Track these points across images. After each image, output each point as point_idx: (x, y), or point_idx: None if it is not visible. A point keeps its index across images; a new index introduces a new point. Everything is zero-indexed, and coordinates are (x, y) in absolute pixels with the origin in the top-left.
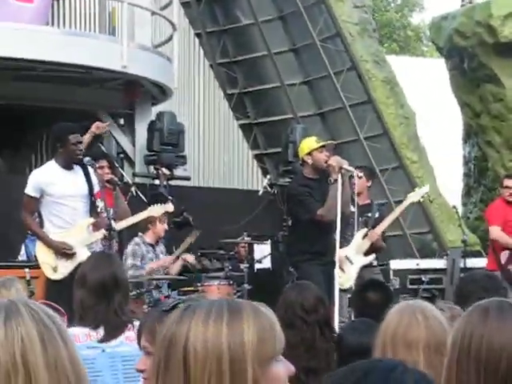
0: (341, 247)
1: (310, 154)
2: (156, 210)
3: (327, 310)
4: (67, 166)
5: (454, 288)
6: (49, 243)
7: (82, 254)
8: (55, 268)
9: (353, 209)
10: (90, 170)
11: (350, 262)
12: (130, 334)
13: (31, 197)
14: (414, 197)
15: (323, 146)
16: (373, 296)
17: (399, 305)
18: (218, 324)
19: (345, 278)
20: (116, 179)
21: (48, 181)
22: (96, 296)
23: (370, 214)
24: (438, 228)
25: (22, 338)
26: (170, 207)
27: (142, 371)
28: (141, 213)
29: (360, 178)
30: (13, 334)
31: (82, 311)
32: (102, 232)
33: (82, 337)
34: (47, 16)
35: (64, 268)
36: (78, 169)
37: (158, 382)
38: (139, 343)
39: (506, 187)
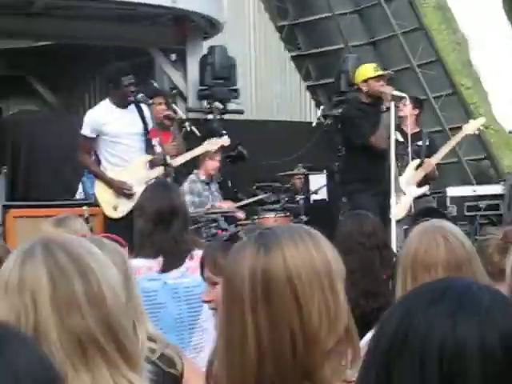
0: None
1: (365, 81)
2: (212, 144)
3: (384, 235)
4: (122, 105)
5: None
6: (109, 182)
7: None
8: (115, 206)
9: (400, 138)
10: (144, 107)
11: (403, 192)
12: (191, 265)
13: (87, 137)
14: (469, 129)
15: (381, 76)
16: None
17: (420, 226)
18: (308, 248)
19: (399, 208)
20: (173, 115)
21: (103, 120)
22: (154, 224)
23: (420, 143)
24: (494, 154)
25: (32, 281)
26: (226, 141)
27: (208, 302)
28: (197, 148)
29: (404, 105)
30: (24, 278)
31: (141, 241)
32: (160, 169)
33: (144, 269)
34: None
35: (124, 206)
36: (132, 107)
37: (254, 316)
38: (202, 274)
39: None
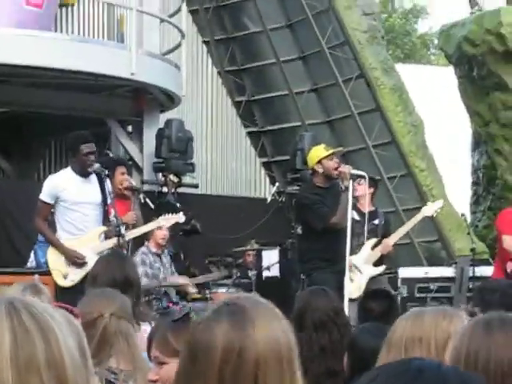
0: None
1: (319, 162)
2: (166, 220)
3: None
4: (82, 174)
5: (475, 294)
6: (61, 250)
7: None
8: (65, 275)
9: (357, 217)
10: (106, 179)
11: (359, 271)
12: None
13: (45, 203)
14: (428, 211)
15: (333, 154)
16: (375, 306)
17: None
18: (276, 328)
19: (354, 287)
20: (135, 185)
21: (62, 186)
22: None
23: (376, 222)
24: (447, 236)
25: None
26: (180, 217)
27: (154, 381)
28: (151, 222)
29: (359, 184)
30: None
31: None
32: (114, 241)
33: None
34: (53, 22)
35: (74, 275)
36: (93, 177)
37: None
38: (149, 353)
39: None
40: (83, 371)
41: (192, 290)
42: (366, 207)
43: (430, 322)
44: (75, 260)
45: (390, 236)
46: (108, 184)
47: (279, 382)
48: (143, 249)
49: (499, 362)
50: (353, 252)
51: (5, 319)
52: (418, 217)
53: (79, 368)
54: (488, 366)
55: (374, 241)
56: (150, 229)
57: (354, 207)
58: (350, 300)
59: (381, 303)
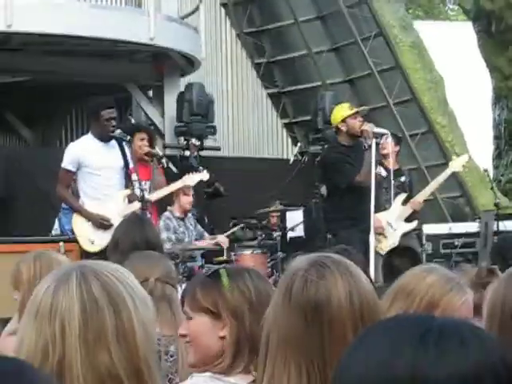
0: (377, 212)
1: (344, 121)
2: (191, 179)
3: (369, 275)
4: (103, 139)
5: (492, 247)
6: (86, 215)
7: None
8: (92, 240)
9: (384, 173)
10: (126, 145)
11: (392, 227)
12: None
13: (67, 170)
14: (455, 166)
15: (357, 112)
16: (399, 262)
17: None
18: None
19: (388, 243)
20: (155, 151)
21: (84, 153)
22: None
23: (402, 179)
24: (470, 192)
25: (63, 309)
26: (205, 175)
27: (183, 336)
28: (175, 182)
29: (386, 142)
30: (56, 306)
31: None
32: (138, 204)
33: None
34: None
35: (101, 240)
36: (113, 142)
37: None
38: (182, 309)
39: None
40: (153, 345)
41: (222, 242)
42: (391, 165)
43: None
44: (101, 222)
45: (420, 192)
46: (128, 150)
47: None
48: (166, 213)
49: None
50: (381, 207)
51: (75, 290)
52: (448, 172)
53: (150, 342)
54: None
55: (403, 196)
56: (175, 188)
57: (381, 164)
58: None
59: (405, 260)
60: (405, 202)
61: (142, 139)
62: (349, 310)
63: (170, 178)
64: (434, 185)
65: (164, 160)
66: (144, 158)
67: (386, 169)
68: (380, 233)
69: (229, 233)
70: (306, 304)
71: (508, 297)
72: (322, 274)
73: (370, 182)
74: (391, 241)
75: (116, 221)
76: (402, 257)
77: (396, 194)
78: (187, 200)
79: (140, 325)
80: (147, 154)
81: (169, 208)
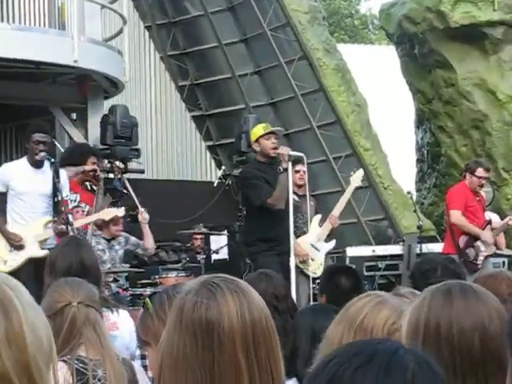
0: (296, 236)
1: (257, 141)
2: (107, 214)
3: (292, 297)
4: (34, 164)
5: (411, 269)
6: (3, 233)
7: (33, 249)
8: (5, 260)
9: (296, 198)
10: (63, 172)
11: (316, 249)
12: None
13: None
14: (356, 181)
15: (270, 133)
16: (345, 282)
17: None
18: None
19: (315, 265)
20: (101, 175)
21: (13, 176)
22: None
23: (312, 202)
24: (393, 214)
25: None
26: (121, 211)
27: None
28: (92, 215)
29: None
30: None
31: None
32: (54, 226)
33: None
34: None
35: (13, 261)
36: (47, 168)
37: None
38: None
39: (479, 177)
40: (43, 347)
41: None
42: (307, 191)
43: (384, 315)
44: (11, 240)
45: (335, 208)
46: (64, 178)
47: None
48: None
49: (461, 331)
50: (301, 230)
51: None
52: (351, 187)
53: (40, 344)
54: (450, 336)
55: (319, 217)
56: (90, 221)
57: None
58: (313, 278)
59: (349, 278)
60: (320, 223)
61: (93, 163)
62: (239, 329)
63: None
64: (343, 200)
65: (87, 183)
66: (91, 182)
67: (297, 194)
68: (305, 260)
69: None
70: (197, 324)
71: (432, 314)
72: (213, 293)
73: (283, 207)
74: (318, 262)
75: (31, 244)
76: (346, 275)
77: (311, 216)
78: (117, 229)
79: (30, 328)
80: (96, 178)
81: (97, 232)
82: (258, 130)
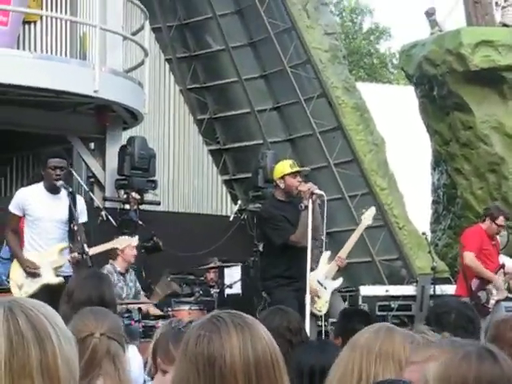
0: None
1: (282, 177)
2: (120, 242)
3: (306, 332)
4: (51, 190)
5: (427, 312)
6: (18, 259)
7: (48, 276)
8: (21, 286)
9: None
10: (80, 199)
11: (323, 286)
12: None
13: (13, 214)
14: (368, 220)
15: (298, 172)
16: (359, 324)
17: None
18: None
19: (321, 303)
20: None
21: (29, 200)
22: None
23: (323, 237)
24: (407, 255)
25: None
26: (134, 241)
27: None
28: (106, 243)
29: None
30: None
31: None
32: (70, 256)
33: None
34: (16, 39)
35: (28, 287)
36: (63, 195)
37: None
38: (154, 363)
39: (500, 226)
40: (75, 380)
41: (154, 310)
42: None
43: (400, 336)
44: (27, 268)
45: (342, 249)
46: (81, 203)
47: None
48: (108, 267)
49: None
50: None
51: (1, 324)
52: (362, 226)
53: (72, 376)
54: None
55: (328, 254)
56: (105, 249)
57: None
58: (319, 316)
59: (364, 321)
60: (329, 260)
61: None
62: (242, 364)
63: (110, 230)
64: (352, 240)
65: (104, 213)
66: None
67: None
68: (312, 297)
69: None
70: (199, 357)
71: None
72: (217, 327)
73: (305, 244)
74: (324, 300)
75: (46, 271)
76: (360, 319)
77: (319, 253)
78: (132, 254)
79: (63, 360)
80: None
81: (111, 261)
82: (284, 167)
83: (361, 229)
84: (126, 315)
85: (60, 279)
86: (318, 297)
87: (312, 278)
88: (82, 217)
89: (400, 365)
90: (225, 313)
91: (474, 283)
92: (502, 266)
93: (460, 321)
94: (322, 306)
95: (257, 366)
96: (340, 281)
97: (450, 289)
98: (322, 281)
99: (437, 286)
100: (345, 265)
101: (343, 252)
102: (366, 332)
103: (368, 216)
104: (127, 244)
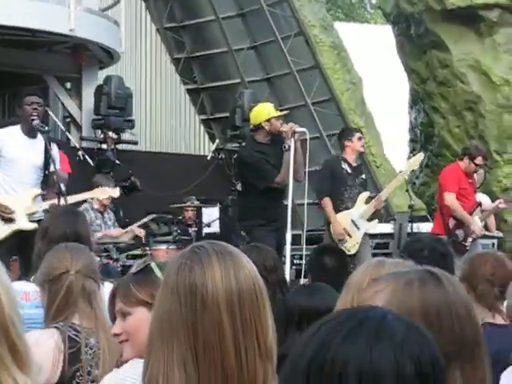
0: (339, 210)
1: (268, 120)
2: (101, 193)
3: (283, 270)
4: (28, 133)
5: (401, 250)
6: None
7: (21, 222)
8: None
9: (349, 170)
10: (54, 147)
11: (357, 227)
12: None
13: None
14: (413, 164)
15: (282, 115)
16: (329, 261)
17: None
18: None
19: (351, 243)
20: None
21: (4, 141)
22: None
23: (363, 176)
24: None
25: None
26: (115, 193)
27: (118, 335)
28: (85, 192)
29: (359, 139)
30: None
31: (36, 264)
32: (47, 203)
33: (33, 294)
34: None
35: (0, 231)
36: (39, 139)
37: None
38: (111, 309)
39: (477, 165)
40: (16, 307)
41: (139, 232)
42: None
43: (389, 269)
44: (2, 213)
45: (383, 191)
46: (54, 150)
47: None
48: (85, 205)
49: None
50: (344, 205)
51: None
52: (407, 171)
53: (13, 304)
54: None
55: (367, 194)
56: (83, 198)
57: (345, 161)
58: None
59: (334, 258)
60: (368, 201)
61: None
62: (224, 293)
63: (87, 170)
64: (394, 183)
65: (81, 152)
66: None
67: (350, 165)
68: (341, 239)
69: (140, 223)
70: (180, 286)
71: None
72: (198, 256)
73: (288, 182)
74: (355, 240)
75: (19, 217)
76: (331, 255)
77: (359, 192)
78: (107, 200)
79: (3, 289)
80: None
81: (89, 199)
82: (269, 110)
83: (405, 173)
84: (104, 254)
85: (34, 225)
86: (350, 236)
87: (346, 217)
88: (56, 163)
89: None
90: (207, 243)
91: (452, 221)
92: (479, 204)
93: (433, 256)
94: (351, 247)
95: (239, 295)
96: (375, 223)
97: (427, 226)
98: (356, 220)
99: (414, 224)
100: (382, 207)
101: (383, 194)
102: (358, 270)
103: (414, 161)
104: (108, 195)
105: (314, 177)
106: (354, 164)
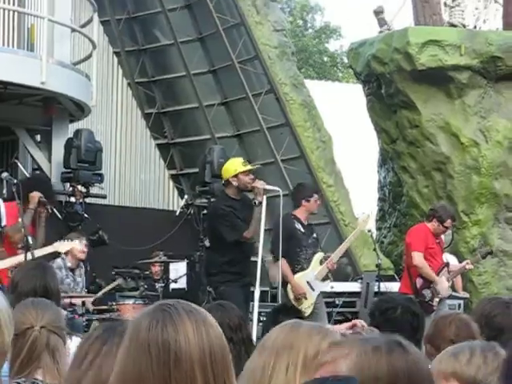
0: (295, 271)
1: (236, 175)
2: (62, 247)
3: (248, 329)
4: None
5: (371, 308)
6: None
7: None
8: None
9: (302, 229)
10: (1, 204)
11: (312, 288)
12: None
13: None
14: (363, 225)
15: (250, 170)
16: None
17: None
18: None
19: (307, 304)
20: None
21: None
22: None
23: (315, 235)
24: (353, 252)
25: None
26: (77, 244)
27: None
28: (46, 247)
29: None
30: None
31: None
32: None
33: None
34: None
35: None
36: None
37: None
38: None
39: (446, 227)
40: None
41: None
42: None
43: (304, 333)
44: None
45: (334, 253)
46: (2, 208)
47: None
48: (58, 261)
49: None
50: (300, 265)
51: None
52: (356, 232)
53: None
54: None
55: (321, 256)
56: (45, 253)
57: (298, 220)
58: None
59: (290, 318)
60: (322, 262)
61: (40, 201)
62: (197, 350)
63: (55, 224)
64: (345, 245)
65: (49, 206)
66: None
67: (303, 225)
68: (300, 298)
69: (105, 290)
70: (152, 343)
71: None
72: (169, 313)
73: (257, 238)
74: (310, 301)
75: None
76: (289, 314)
77: (313, 253)
78: (79, 254)
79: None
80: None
81: (62, 256)
82: (237, 165)
83: (356, 233)
84: (70, 309)
85: None
86: (305, 298)
87: (302, 279)
88: (2, 220)
89: (305, 355)
90: (173, 301)
91: (419, 281)
92: (447, 265)
93: (406, 316)
94: (307, 308)
95: (211, 351)
96: (328, 283)
97: (394, 286)
98: (311, 281)
99: (381, 283)
100: (335, 268)
101: (335, 255)
102: (273, 331)
103: (362, 221)
104: (69, 248)
105: (268, 236)
106: (306, 223)
